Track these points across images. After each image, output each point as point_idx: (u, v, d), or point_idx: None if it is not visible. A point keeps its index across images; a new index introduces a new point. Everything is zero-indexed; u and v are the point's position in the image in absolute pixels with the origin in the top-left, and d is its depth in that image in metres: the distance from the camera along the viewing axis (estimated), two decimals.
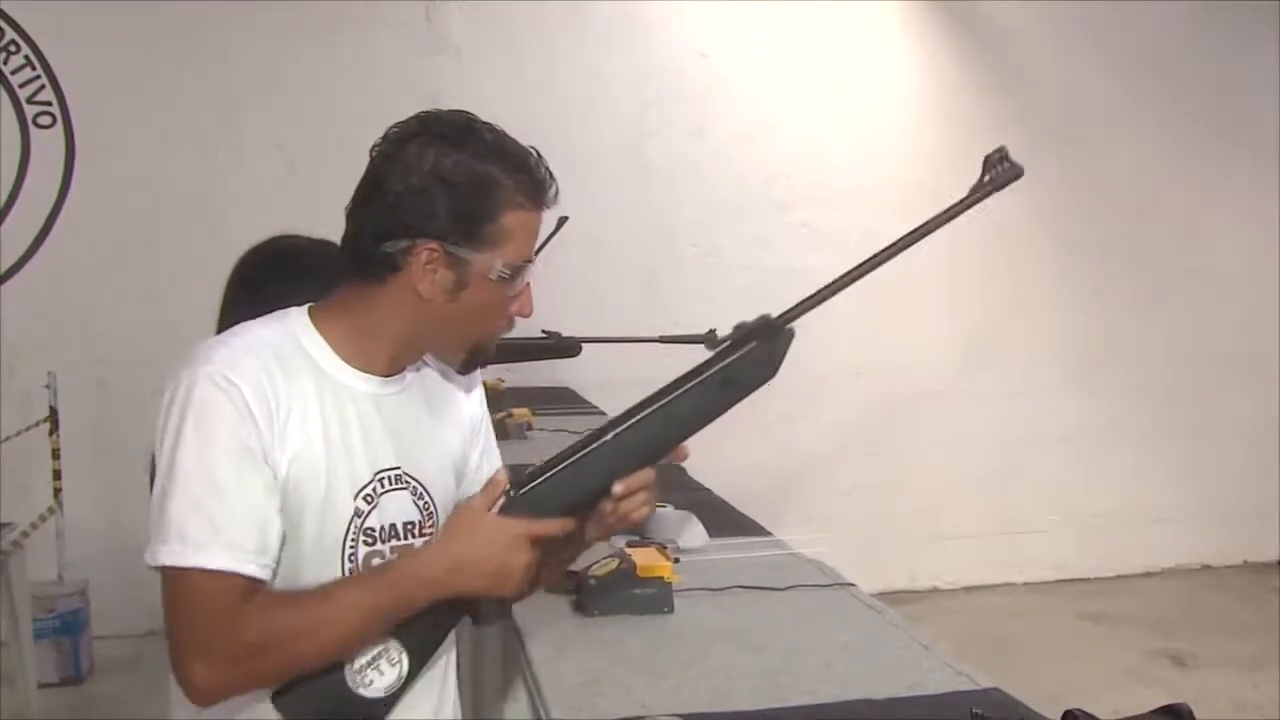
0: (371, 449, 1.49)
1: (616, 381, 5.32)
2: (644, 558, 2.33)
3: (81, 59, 5.46)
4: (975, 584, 6.55)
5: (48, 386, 4.86)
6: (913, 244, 1.46)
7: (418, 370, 1.58)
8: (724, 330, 1.53)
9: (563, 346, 3.55)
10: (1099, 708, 1.51)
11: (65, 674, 4.88)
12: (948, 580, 6.55)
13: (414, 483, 1.54)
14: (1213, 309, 6.89)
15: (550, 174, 1.46)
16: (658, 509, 2.93)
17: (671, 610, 2.29)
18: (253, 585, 1.35)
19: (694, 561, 2.61)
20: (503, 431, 4.22)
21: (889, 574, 6.38)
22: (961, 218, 1.45)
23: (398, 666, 1.44)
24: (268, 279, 1.92)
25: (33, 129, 5.45)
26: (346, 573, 1.46)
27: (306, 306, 1.51)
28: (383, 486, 1.50)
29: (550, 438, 4.24)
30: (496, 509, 1.45)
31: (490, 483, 1.48)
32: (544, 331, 3.65)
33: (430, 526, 1.55)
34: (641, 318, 5.43)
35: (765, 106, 6.27)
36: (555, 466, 1.46)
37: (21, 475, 4.92)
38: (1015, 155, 1.42)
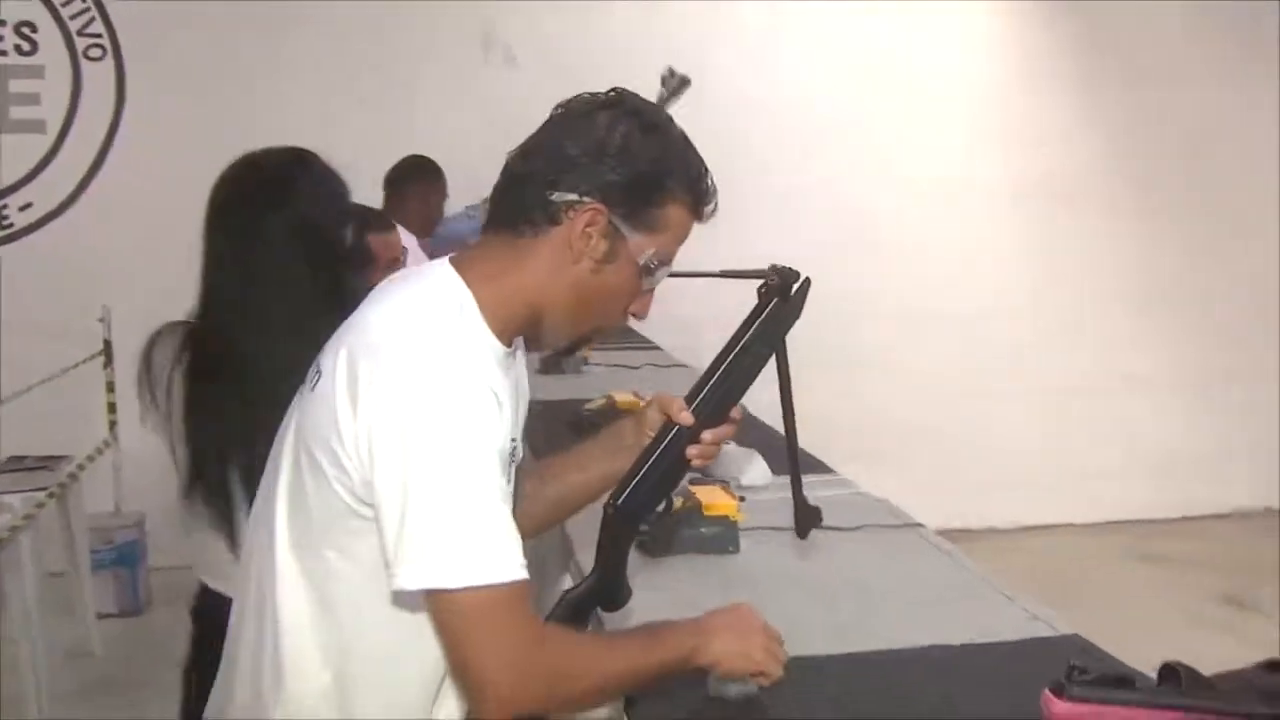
0: (512, 423, 1.46)
1: (678, 317, 5.29)
2: (709, 496, 2.27)
3: None
4: (1034, 524, 6.45)
5: (102, 320, 4.86)
6: None
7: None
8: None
9: None
10: (1160, 651, 1.45)
11: (124, 605, 4.92)
12: (1007, 520, 6.46)
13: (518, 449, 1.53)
14: None
15: (716, 190, 1.47)
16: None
17: (737, 550, 2.24)
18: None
19: (757, 500, 2.55)
20: (558, 366, 4.18)
21: (946, 513, 6.30)
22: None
23: None
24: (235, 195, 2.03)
25: (83, 62, 5.43)
26: None
27: (449, 264, 1.44)
28: (514, 459, 1.48)
29: (607, 373, 4.21)
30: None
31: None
32: None
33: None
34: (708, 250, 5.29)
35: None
36: (642, 467, 1.54)
37: (78, 409, 4.92)
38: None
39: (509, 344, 1.45)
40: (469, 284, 1.40)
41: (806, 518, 1.68)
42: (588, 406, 3.36)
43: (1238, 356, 6.69)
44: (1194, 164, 6.56)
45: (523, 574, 1.29)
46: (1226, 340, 6.67)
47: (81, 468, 4.39)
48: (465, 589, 1.26)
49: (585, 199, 1.38)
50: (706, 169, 1.46)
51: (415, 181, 4.76)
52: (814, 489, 2.68)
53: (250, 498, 1.94)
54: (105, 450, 4.82)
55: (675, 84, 2.13)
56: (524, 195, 1.41)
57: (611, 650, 1.45)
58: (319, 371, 1.39)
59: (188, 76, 5.40)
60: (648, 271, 1.44)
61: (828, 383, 5.96)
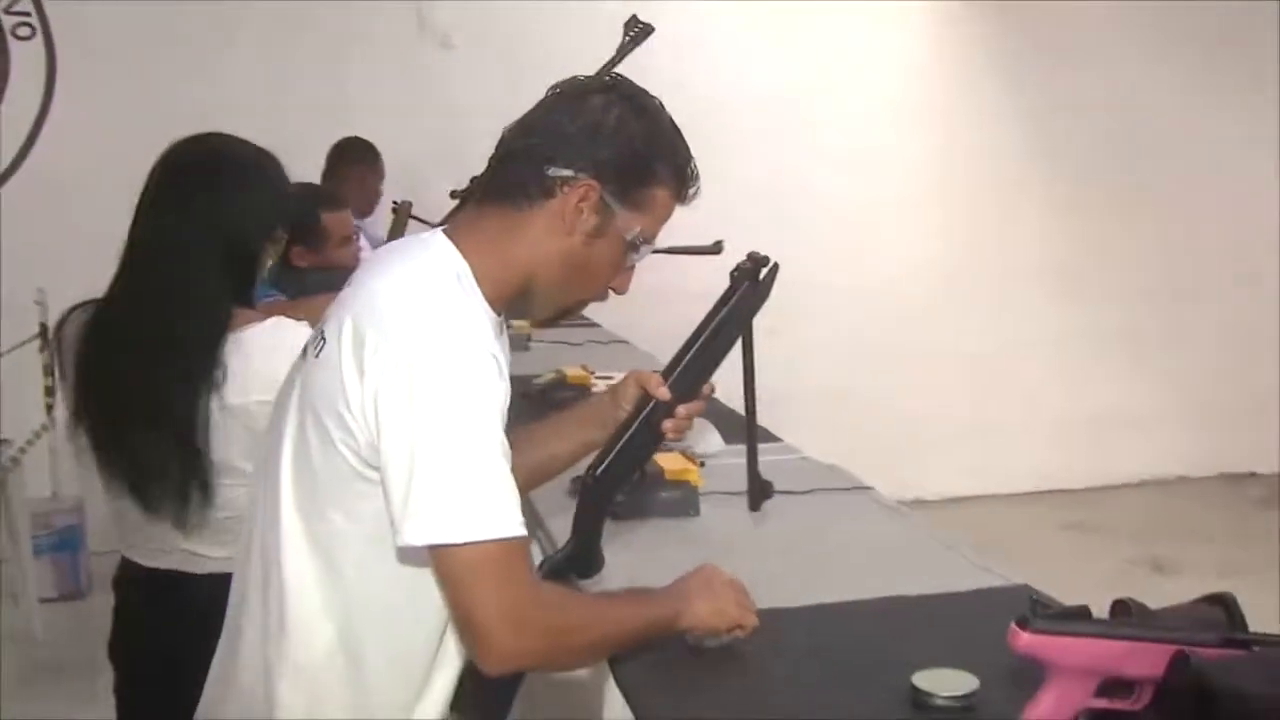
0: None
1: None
2: (670, 462, 2.35)
3: None
4: (958, 495, 6.61)
5: (39, 303, 4.80)
6: None
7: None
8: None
9: None
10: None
11: (65, 590, 4.89)
12: (932, 491, 6.60)
13: None
14: (1194, 217, 6.94)
15: (698, 175, 1.56)
16: None
17: (697, 513, 2.32)
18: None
19: (712, 467, 2.64)
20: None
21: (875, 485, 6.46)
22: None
23: None
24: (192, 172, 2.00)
25: (11, 41, 5.34)
26: None
27: (444, 235, 1.50)
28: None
29: (550, 349, 4.26)
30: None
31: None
32: None
33: None
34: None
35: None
36: (621, 439, 1.65)
37: (15, 392, 4.86)
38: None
39: (499, 313, 1.52)
40: (464, 254, 1.47)
41: (759, 491, 1.80)
42: (537, 380, 3.44)
43: (1153, 331, 6.94)
44: (1111, 131, 6.76)
45: (523, 531, 1.36)
46: (1142, 314, 6.90)
47: (23, 451, 4.36)
48: (469, 543, 1.32)
49: (580, 175, 1.46)
50: (691, 154, 1.55)
51: (354, 163, 4.80)
52: (764, 454, 2.80)
53: (141, 463, 1.96)
54: (43, 434, 4.78)
55: (638, 31, 2.22)
56: (521, 169, 1.48)
57: (603, 610, 1.54)
58: (323, 339, 1.44)
59: (120, 57, 5.32)
60: (633, 248, 1.53)
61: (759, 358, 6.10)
